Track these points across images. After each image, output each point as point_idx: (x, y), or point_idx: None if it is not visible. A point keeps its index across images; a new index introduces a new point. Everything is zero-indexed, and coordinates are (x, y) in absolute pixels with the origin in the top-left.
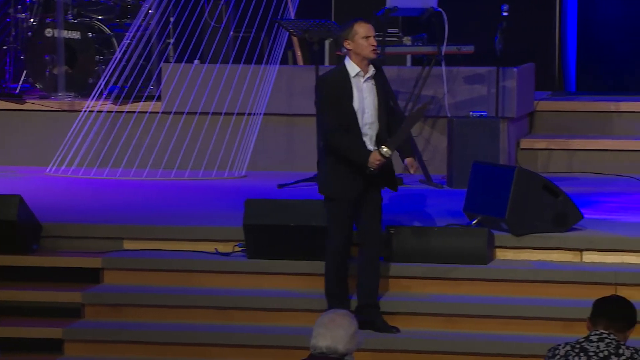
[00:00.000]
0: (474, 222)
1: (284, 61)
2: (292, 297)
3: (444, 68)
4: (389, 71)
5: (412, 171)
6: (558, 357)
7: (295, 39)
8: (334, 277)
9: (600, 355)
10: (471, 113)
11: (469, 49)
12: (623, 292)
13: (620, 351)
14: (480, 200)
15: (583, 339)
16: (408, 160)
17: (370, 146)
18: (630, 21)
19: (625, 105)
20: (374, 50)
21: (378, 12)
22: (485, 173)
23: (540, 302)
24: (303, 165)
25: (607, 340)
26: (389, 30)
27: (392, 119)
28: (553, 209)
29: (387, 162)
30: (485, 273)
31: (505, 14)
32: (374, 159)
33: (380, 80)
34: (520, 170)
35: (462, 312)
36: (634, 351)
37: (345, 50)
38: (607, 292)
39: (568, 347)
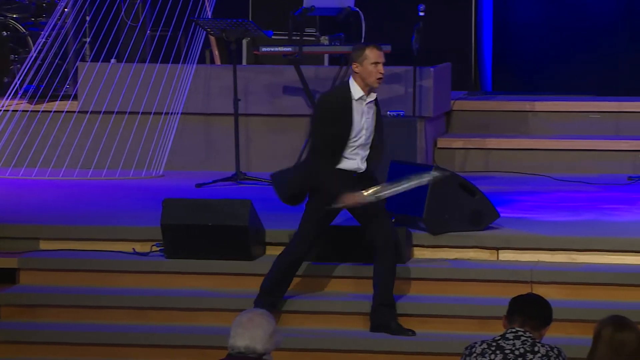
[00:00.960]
0: (392, 221)
1: (201, 60)
2: (211, 297)
3: None
4: (307, 70)
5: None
6: (474, 355)
7: (212, 38)
8: (280, 275)
9: (516, 352)
10: (388, 112)
11: (386, 48)
12: (539, 290)
13: (536, 349)
14: (398, 199)
15: (499, 337)
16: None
17: (362, 164)
18: (545, 22)
19: (541, 105)
20: (379, 79)
21: (295, 11)
22: (403, 172)
23: (457, 300)
24: (221, 165)
25: (522, 338)
26: (307, 30)
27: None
28: (470, 207)
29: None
30: (403, 272)
31: (421, 13)
32: (350, 200)
33: (377, 107)
34: (438, 169)
35: None
36: (549, 349)
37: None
38: (523, 290)
39: (484, 345)
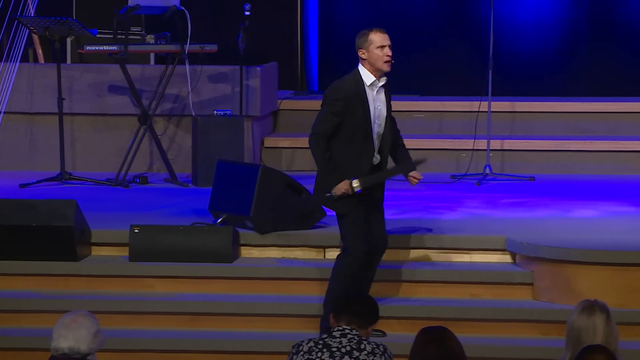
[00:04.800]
0: (219, 220)
1: (24, 59)
2: (35, 299)
3: (187, 67)
4: (133, 69)
5: (415, 182)
6: (302, 353)
7: (35, 37)
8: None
9: (343, 350)
10: (215, 112)
11: (212, 47)
12: None
13: (362, 346)
14: (225, 198)
15: (326, 335)
16: (412, 174)
17: (377, 156)
18: (370, 22)
19: None
20: (388, 62)
21: (120, 10)
22: (230, 171)
23: (285, 299)
24: (45, 165)
25: (349, 336)
26: (132, 29)
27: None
28: (297, 206)
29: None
30: (230, 271)
31: (247, 13)
32: (342, 188)
33: (388, 92)
34: (265, 168)
35: (207, 311)
36: (375, 346)
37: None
38: None
39: (312, 343)
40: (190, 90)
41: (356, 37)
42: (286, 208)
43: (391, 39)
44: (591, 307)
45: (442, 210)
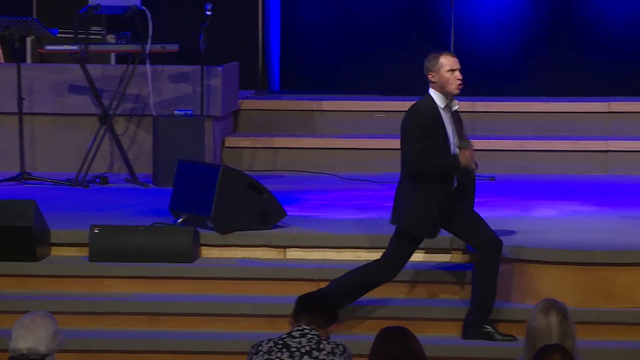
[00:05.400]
0: (180, 220)
1: None
2: None
3: (148, 66)
4: (93, 69)
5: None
6: (261, 353)
7: None
8: (351, 291)
9: (302, 350)
10: (176, 111)
11: (173, 47)
12: None
13: (322, 346)
14: (186, 198)
15: (286, 335)
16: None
17: (455, 180)
18: (332, 22)
19: (328, 104)
20: (459, 85)
21: (81, 9)
22: (191, 171)
23: (245, 299)
24: (5, 165)
25: (309, 336)
26: (93, 28)
27: None
28: (258, 206)
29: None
30: (191, 271)
31: (208, 12)
32: (465, 157)
33: (458, 116)
34: (225, 168)
35: (167, 311)
36: (334, 345)
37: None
38: (310, 288)
39: (271, 344)
40: (151, 90)
41: (425, 61)
42: (247, 208)
43: (352, 39)
44: (548, 307)
45: None
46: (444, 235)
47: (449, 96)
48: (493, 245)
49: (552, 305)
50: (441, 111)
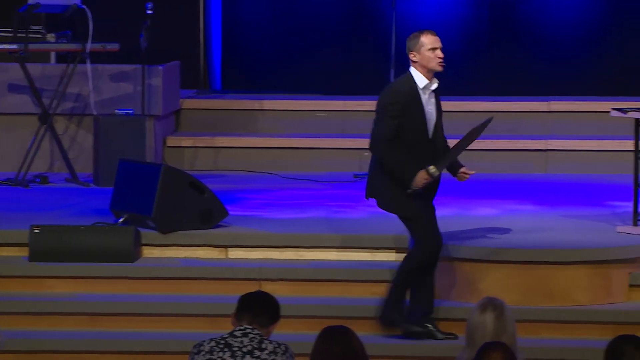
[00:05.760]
0: (121, 220)
1: None
2: None
3: (89, 65)
4: (33, 68)
5: (465, 177)
6: (203, 353)
7: None
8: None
9: (244, 350)
10: (117, 111)
11: (114, 46)
12: (267, 287)
13: (264, 345)
14: (127, 198)
15: (227, 335)
16: (462, 170)
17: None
18: (273, 21)
19: (269, 104)
20: (441, 63)
21: (20, 8)
22: (132, 171)
23: (187, 298)
24: None
25: (250, 335)
26: (32, 27)
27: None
28: (199, 206)
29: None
30: (132, 271)
31: (149, 11)
32: (421, 179)
33: (438, 96)
34: (167, 167)
35: (109, 311)
36: (276, 345)
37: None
38: (252, 287)
39: (213, 343)
40: (91, 90)
41: (407, 40)
42: (188, 207)
43: (294, 38)
44: (485, 304)
45: (345, 209)
46: (388, 234)
47: (429, 74)
48: (433, 244)
49: (489, 303)
50: (420, 91)
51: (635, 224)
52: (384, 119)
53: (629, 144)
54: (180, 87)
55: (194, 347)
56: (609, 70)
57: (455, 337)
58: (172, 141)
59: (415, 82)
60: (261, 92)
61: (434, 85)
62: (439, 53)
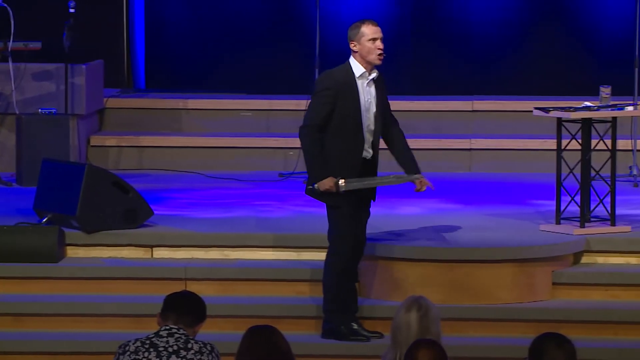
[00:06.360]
0: (45, 220)
1: None
2: None
3: (11, 64)
4: None
5: (422, 187)
6: (128, 353)
7: None
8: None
9: (170, 350)
10: (40, 110)
11: (36, 45)
12: (193, 287)
13: (189, 345)
14: (51, 197)
15: (153, 335)
16: (418, 181)
17: (370, 150)
18: (197, 20)
19: (194, 103)
20: (380, 55)
21: None
22: (56, 170)
23: (112, 298)
24: None
25: (176, 335)
26: None
27: (389, 136)
28: (124, 205)
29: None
30: (56, 271)
31: (72, 10)
32: (326, 184)
33: (380, 86)
34: (91, 167)
35: (32, 311)
36: (202, 345)
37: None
38: (177, 287)
39: (138, 343)
40: (14, 89)
41: (348, 29)
42: (113, 207)
43: (218, 37)
44: (410, 304)
45: (270, 208)
46: (314, 233)
47: (368, 65)
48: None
49: (414, 302)
50: (356, 79)
51: (558, 222)
52: (315, 104)
53: (552, 143)
54: (104, 86)
55: (120, 347)
56: (532, 70)
57: (381, 335)
58: (96, 140)
59: (352, 71)
60: (186, 92)
61: (373, 75)
62: (379, 44)
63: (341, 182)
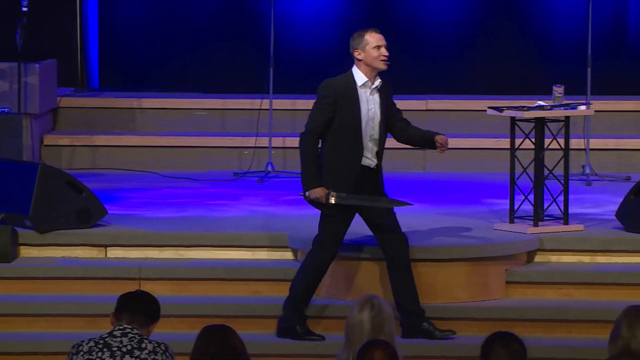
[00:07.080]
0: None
1: None
2: None
3: None
4: None
5: (442, 149)
6: (82, 353)
7: None
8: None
9: (124, 349)
10: None
11: None
12: (147, 286)
13: (143, 345)
14: (3, 197)
15: (107, 335)
16: (439, 138)
17: (374, 159)
18: (152, 19)
19: (148, 102)
20: (385, 61)
21: None
22: (8, 170)
23: (66, 298)
24: None
25: (130, 335)
26: None
27: (398, 126)
28: (77, 205)
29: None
30: (9, 271)
31: (25, 9)
32: (317, 193)
33: (385, 94)
34: (44, 166)
35: None
36: (156, 345)
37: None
38: (131, 287)
39: (92, 343)
40: None
41: (351, 39)
42: (66, 207)
43: (172, 36)
44: (363, 303)
45: (224, 207)
46: (268, 232)
47: (373, 73)
48: (401, 243)
49: (367, 302)
50: (358, 88)
51: (511, 221)
52: (315, 111)
53: (505, 142)
54: (57, 85)
55: (73, 347)
56: (486, 70)
57: (322, 338)
58: (49, 140)
59: (354, 80)
60: (140, 91)
61: (376, 83)
62: (383, 51)
63: (331, 198)
